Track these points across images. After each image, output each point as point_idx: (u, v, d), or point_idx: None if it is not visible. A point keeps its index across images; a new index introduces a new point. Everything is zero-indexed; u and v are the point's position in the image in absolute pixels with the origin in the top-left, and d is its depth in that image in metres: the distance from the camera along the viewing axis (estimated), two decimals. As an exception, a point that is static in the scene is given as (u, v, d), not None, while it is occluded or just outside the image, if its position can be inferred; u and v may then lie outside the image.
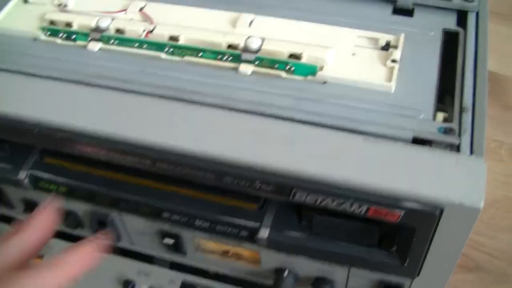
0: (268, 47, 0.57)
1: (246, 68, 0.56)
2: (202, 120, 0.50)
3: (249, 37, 0.58)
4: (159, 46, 0.60)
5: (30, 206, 0.63)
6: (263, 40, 0.57)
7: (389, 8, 0.62)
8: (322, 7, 0.63)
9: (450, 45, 0.58)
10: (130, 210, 0.57)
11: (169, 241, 0.59)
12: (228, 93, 0.53)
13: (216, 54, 0.58)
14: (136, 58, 0.59)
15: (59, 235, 0.66)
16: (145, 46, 0.60)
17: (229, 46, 0.58)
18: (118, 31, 0.61)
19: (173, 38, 0.60)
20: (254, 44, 0.57)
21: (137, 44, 0.60)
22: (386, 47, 0.57)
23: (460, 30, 0.59)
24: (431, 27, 0.59)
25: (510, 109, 0.98)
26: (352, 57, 0.56)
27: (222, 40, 0.58)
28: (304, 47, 0.56)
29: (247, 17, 0.61)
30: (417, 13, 0.61)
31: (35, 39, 0.62)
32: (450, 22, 0.60)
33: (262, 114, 0.51)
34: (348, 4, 0.63)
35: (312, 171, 0.46)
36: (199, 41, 0.59)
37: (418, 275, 0.50)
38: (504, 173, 0.87)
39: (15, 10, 0.65)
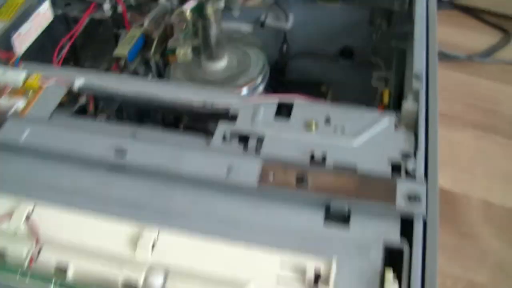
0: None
1: (144, 322, 0.45)
2: None
3: (149, 270, 0.47)
4: (45, 280, 0.49)
5: None
6: (166, 274, 0.47)
7: (320, 214, 0.52)
8: (238, 213, 0.53)
9: (393, 264, 0.48)
10: None
11: None
12: None
13: (110, 296, 0.47)
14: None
15: None
16: (28, 278, 0.49)
17: (126, 284, 0.47)
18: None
19: (61, 269, 0.49)
20: (155, 282, 0.47)
21: (19, 276, 0.50)
22: (315, 281, 0.47)
23: (404, 244, 0.49)
24: (370, 241, 0.49)
25: (468, 235, 0.88)
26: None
27: (117, 275, 0.48)
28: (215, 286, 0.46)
29: (149, 234, 0.51)
30: (353, 220, 0.51)
31: None
32: (392, 232, 0.50)
33: None
34: (273, 210, 0.52)
35: None
36: (91, 274, 0.48)
37: None
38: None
39: None
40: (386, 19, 0.83)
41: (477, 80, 1.22)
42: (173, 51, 0.80)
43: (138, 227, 0.51)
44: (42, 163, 0.59)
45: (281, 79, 0.93)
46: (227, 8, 0.86)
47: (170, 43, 0.80)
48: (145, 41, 0.82)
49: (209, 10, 0.78)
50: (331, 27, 0.89)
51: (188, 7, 0.78)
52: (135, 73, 0.82)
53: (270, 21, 0.89)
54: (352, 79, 0.93)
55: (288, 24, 0.88)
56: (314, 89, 0.90)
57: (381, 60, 0.86)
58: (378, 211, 0.51)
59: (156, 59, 0.82)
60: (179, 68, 0.81)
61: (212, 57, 0.80)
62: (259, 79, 0.80)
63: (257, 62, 0.82)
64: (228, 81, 0.79)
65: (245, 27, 0.91)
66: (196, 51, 0.80)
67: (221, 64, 0.81)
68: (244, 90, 0.78)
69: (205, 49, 0.79)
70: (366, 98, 0.91)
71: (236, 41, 0.85)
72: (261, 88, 0.81)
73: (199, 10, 0.79)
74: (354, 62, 0.91)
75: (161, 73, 0.84)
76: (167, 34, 0.82)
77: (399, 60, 0.80)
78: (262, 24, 0.89)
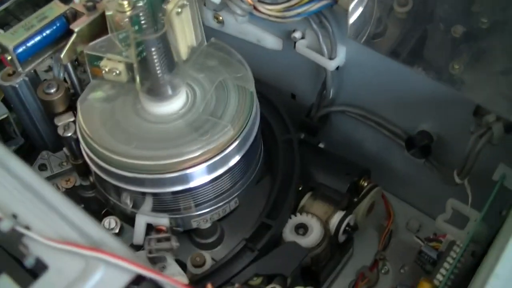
0: None
1: None
2: None
3: None
4: None
5: None
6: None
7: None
8: None
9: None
10: None
11: None
12: None
13: None
14: None
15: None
16: None
17: None
18: None
19: None
20: None
21: None
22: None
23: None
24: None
25: None
26: None
27: None
28: None
29: None
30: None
31: None
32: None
33: None
34: None
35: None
36: None
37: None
38: None
39: None
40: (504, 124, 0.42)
41: None
42: (98, 60, 0.45)
43: None
44: None
45: (310, 141, 0.55)
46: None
47: (96, 45, 0.45)
48: (68, 28, 0.48)
49: (171, 5, 0.42)
50: (404, 92, 0.48)
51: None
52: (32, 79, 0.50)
53: (306, 43, 0.50)
54: (413, 174, 0.53)
55: (332, 63, 0.49)
56: (346, 171, 0.51)
57: (470, 186, 0.45)
58: None
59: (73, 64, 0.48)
60: (100, 94, 0.47)
61: (160, 93, 0.44)
62: (236, 141, 0.44)
63: (239, 101, 0.46)
64: (180, 140, 0.44)
65: (271, 41, 0.53)
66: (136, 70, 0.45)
67: (174, 104, 0.45)
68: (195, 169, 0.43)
69: (146, 75, 0.44)
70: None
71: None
72: (234, 160, 0.45)
73: (158, 4, 0.44)
74: (427, 160, 0.50)
75: (76, 92, 0.51)
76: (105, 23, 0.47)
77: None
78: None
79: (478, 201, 0.45)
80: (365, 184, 0.51)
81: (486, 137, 0.42)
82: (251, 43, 0.55)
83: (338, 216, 0.48)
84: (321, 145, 0.58)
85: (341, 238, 0.49)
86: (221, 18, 0.54)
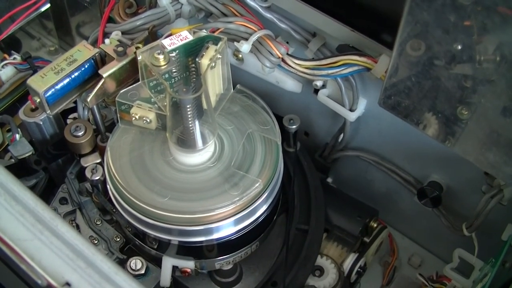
0: None
1: None
2: None
3: None
4: None
5: None
6: None
7: None
8: None
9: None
10: None
11: None
12: None
13: None
14: None
15: None
16: None
17: None
18: None
19: None
20: None
21: None
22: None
23: None
24: None
25: None
26: None
27: None
28: None
29: None
30: None
31: None
32: None
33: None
34: None
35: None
36: None
37: None
38: None
39: None
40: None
41: None
42: (128, 107, 0.46)
43: None
44: None
45: (321, 177, 0.57)
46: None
47: (127, 93, 0.46)
48: (96, 70, 0.48)
49: (206, 60, 0.43)
50: (418, 144, 0.51)
51: (168, 45, 0.44)
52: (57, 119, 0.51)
53: (328, 92, 0.52)
54: (418, 215, 0.57)
55: (353, 115, 0.51)
56: (358, 214, 0.54)
57: (477, 238, 0.48)
58: None
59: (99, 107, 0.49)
60: (127, 140, 0.47)
61: (191, 144, 0.45)
62: (264, 194, 0.46)
63: (266, 152, 0.47)
64: (212, 192, 0.45)
65: (290, 84, 0.54)
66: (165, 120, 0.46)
67: (203, 155, 0.47)
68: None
69: (176, 124, 0.45)
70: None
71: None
72: (260, 211, 0.47)
73: (190, 53, 0.45)
74: (436, 209, 0.53)
75: (99, 130, 0.51)
76: (139, 69, 0.47)
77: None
78: (316, 91, 0.52)
79: (482, 249, 0.49)
80: (375, 225, 0.54)
81: (497, 198, 0.46)
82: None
83: (351, 258, 0.51)
84: (329, 180, 0.61)
85: (353, 278, 0.52)
86: (240, 56, 0.55)
